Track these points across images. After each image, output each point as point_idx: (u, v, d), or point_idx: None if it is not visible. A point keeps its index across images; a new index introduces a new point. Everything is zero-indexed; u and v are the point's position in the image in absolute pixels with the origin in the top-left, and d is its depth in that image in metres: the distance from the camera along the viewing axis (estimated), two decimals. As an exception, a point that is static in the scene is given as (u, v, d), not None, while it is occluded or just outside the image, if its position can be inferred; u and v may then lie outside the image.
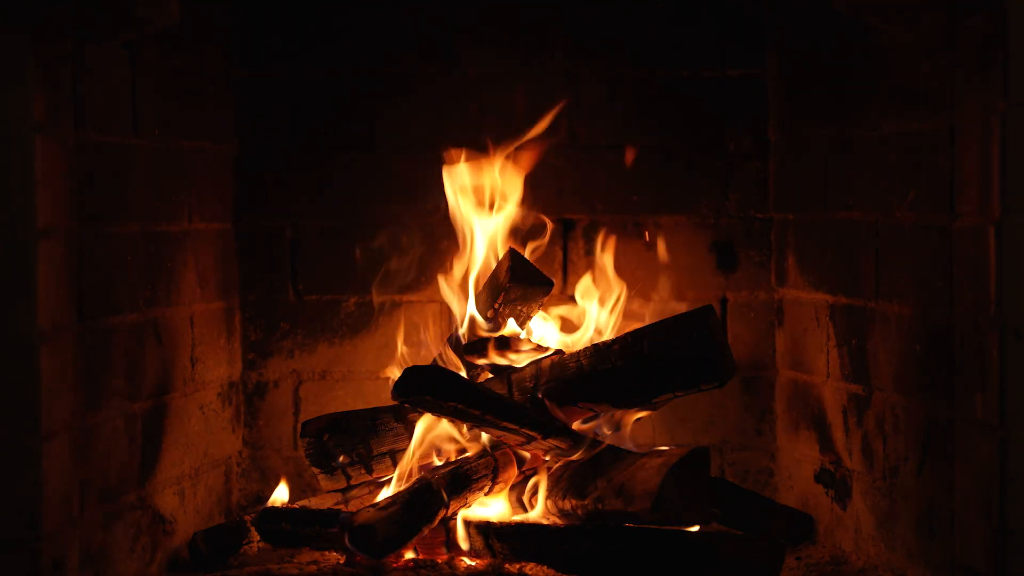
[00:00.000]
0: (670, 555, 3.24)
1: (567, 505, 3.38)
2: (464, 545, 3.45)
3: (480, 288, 3.78)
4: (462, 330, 3.72)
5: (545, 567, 3.35)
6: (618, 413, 3.60)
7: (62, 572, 2.95)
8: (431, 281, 3.91)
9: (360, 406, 3.83)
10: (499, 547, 3.41)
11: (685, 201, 4.03)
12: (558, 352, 3.63)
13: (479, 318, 3.71)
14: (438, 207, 3.92)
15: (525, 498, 3.54)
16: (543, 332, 3.83)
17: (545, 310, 3.84)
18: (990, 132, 2.86)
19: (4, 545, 2.86)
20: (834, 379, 3.65)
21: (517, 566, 3.35)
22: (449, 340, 3.76)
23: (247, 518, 3.62)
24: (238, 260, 4.03)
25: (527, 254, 3.83)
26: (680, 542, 3.26)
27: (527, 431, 3.41)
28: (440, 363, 3.69)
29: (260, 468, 4.05)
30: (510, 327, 3.71)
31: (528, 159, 3.90)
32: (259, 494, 4.01)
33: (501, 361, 3.65)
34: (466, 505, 3.47)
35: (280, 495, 3.73)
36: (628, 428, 3.57)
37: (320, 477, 3.68)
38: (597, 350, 3.51)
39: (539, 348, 3.65)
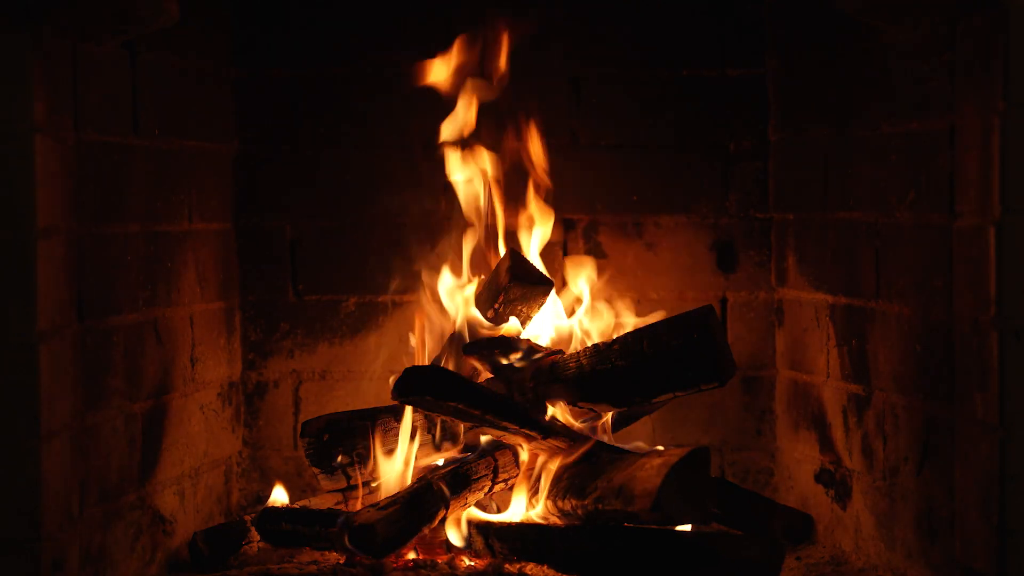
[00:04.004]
0: (670, 555, 3.24)
1: (567, 505, 3.38)
2: (461, 545, 3.45)
3: (480, 288, 3.78)
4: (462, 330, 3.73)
5: (545, 567, 3.35)
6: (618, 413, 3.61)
7: (62, 572, 2.95)
8: (431, 281, 3.90)
9: (360, 406, 3.83)
10: (499, 547, 3.41)
11: (685, 201, 4.03)
12: (558, 352, 3.63)
13: (479, 318, 3.71)
14: (438, 207, 3.92)
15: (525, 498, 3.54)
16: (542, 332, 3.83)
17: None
18: (990, 132, 2.86)
19: (4, 545, 2.86)
20: (834, 379, 3.65)
21: (517, 566, 3.35)
22: (451, 339, 3.76)
23: (247, 518, 3.62)
24: (238, 260, 4.03)
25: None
26: (680, 542, 3.26)
27: (527, 431, 3.41)
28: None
29: (260, 468, 4.06)
30: (510, 327, 3.71)
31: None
32: (259, 494, 4.01)
33: (501, 361, 3.65)
34: (466, 505, 3.48)
35: (278, 496, 3.73)
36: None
37: (320, 477, 3.68)
38: (597, 350, 3.51)
39: (539, 348, 3.65)
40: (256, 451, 4.06)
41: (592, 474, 3.37)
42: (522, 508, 3.48)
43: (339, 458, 3.62)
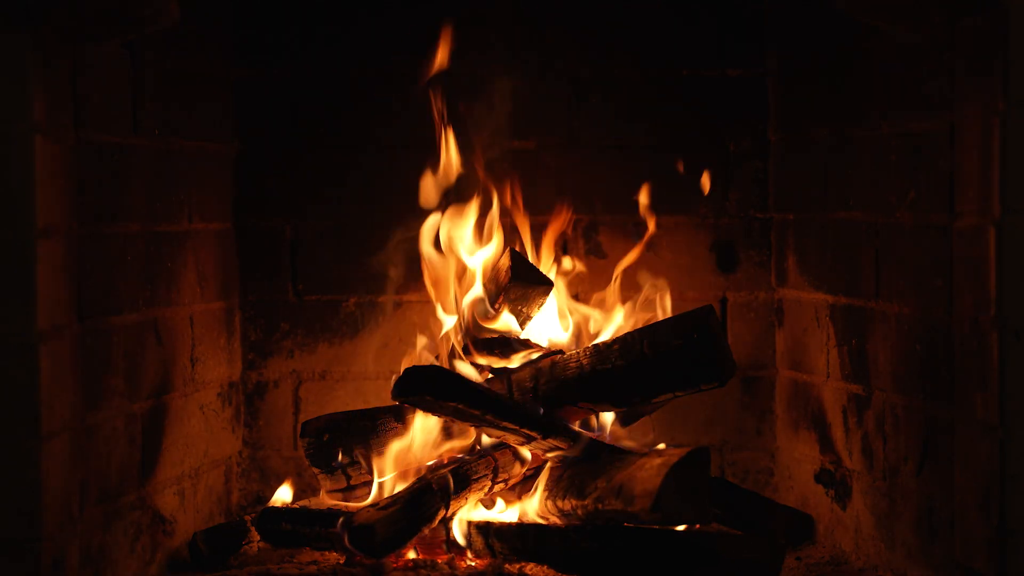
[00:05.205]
0: (670, 555, 3.24)
1: (567, 505, 3.38)
2: (462, 544, 3.45)
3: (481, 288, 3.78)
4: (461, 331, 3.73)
5: (545, 567, 3.35)
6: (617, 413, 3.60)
7: (62, 572, 2.95)
8: (432, 281, 3.90)
9: (360, 406, 3.83)
10: (499, 547, 3.41)
11: (685, 201, 4.03)
12: (558, 352, 3.63)
13: (479, 318, 3.71)
14: (439, 207, 3.92)
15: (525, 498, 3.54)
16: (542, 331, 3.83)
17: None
18: (990, 132, 2.86)
19: (4, 545, 2.86)
20: (834, 379, 3.65)
21: (517, 566, 3.36)
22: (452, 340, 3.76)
23: (247, 518, 3.62)
24: (238, 260, 4.03)
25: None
26: (680, 542, 3.26)
27: (527, 431, 3.41)
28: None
29: (260, 468, 4.06)
30: (510, 327, 3.71)
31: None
32: (259, 494, 4.01)
33: (501, 361, 3.65)
34: (466, 505, 3.48)
35: (283, 495, 3.73)
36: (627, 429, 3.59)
37: (320, 477, 3.68)
38: (597, 350, 3.51)
39: (539, 348, 3.65)
40: (256, 451, 4.06)
41: (592, 474, 3.37)
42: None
43: (339, 458, 3.62)
